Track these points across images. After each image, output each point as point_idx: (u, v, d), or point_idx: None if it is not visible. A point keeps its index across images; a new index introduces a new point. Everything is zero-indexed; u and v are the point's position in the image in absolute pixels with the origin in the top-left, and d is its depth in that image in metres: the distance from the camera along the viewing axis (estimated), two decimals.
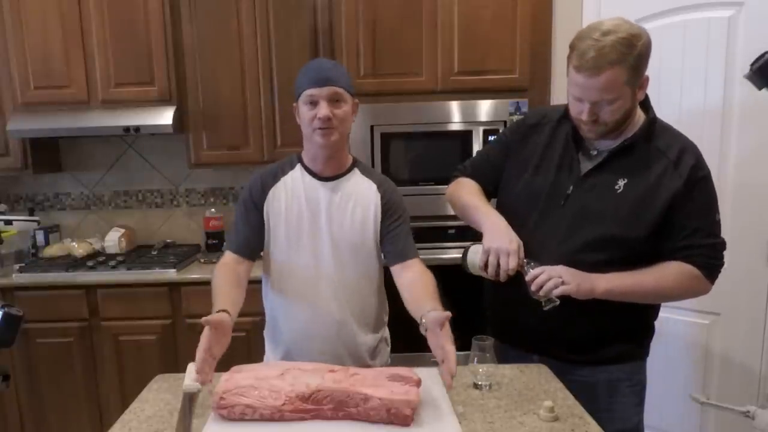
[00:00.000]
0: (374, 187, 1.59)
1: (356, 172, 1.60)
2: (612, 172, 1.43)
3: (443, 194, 2.66)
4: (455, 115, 2.62)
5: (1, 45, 2.73)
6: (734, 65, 2.08)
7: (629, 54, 1.30)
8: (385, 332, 1.73)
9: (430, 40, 2.62)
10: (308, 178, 1.58)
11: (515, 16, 2.60)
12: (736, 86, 2.08)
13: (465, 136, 2.63)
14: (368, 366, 1.59)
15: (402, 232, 1.58)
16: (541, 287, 1.35)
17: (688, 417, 2.30)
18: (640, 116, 1.46)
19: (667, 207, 1.38)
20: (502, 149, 1.63)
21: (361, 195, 1.57)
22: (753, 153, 2.09)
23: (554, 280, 1.35)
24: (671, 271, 1.41)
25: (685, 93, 2.23)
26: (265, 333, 1.70)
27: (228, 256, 1.60)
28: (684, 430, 2.33)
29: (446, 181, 2.69)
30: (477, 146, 2.62)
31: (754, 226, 2.10)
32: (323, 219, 1.55)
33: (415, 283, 1.50)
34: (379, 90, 2.63)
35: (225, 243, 1.71)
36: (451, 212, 2.64)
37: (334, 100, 1.47)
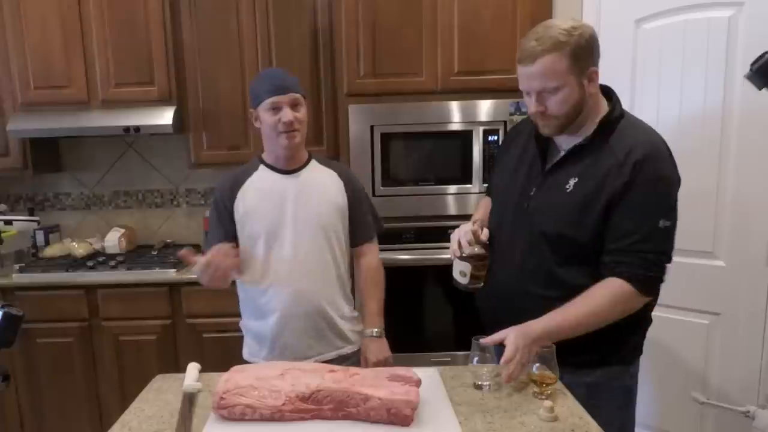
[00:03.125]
0: (334, 174, 1.79)
1: (314, 163, 1.79)
2: (566, 172, 1.44)
3: (443, 194, 2.70)
4: (455, 115, 2.62)
5: (1, 45, 2.73)
6: (734, 65, 2.08)
7: (566, 43, 1.32)
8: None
9: (430, 40, 2.62)
10: (273, 174, 1.74)
11: (515, 16, 2.59)
12: (736, 86, 2.08)
13: (465, 136, 2.63)
14: (347, 339, 1.79)
15: (362, 218, 1.82)
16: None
17: (688, 417, 2.30)
18: (604, 114, 1.44)
19: (605, 208, 1.36)
20: (495, 161, 1.75)
21: (323, 182, 1.76)
22: (753, 153, 2.08)
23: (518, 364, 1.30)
24: (603, 300, 1.36)
25: (685, 93, 2.22)
26: (243, 324, 1.82)
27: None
28: (684, 430, 2.33)
29: (446, 181, 2.73)
30: (477, 146, 2.62)
31: (754, 227, 2.10)
32: (293, 207, 1.71)
33: (367, 281, 1.83)
34: (379, 90, 2.63)
35: (204, 244, 1.79)
36: (451, 212, 2.68)
37: (295, 105, 1.66)
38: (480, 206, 1.78)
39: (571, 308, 1.37)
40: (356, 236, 1.83)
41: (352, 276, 1.88)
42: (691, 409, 2.26)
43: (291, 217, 1.69)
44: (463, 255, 1.51)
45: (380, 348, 1.75)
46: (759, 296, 2.12)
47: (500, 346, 1.65)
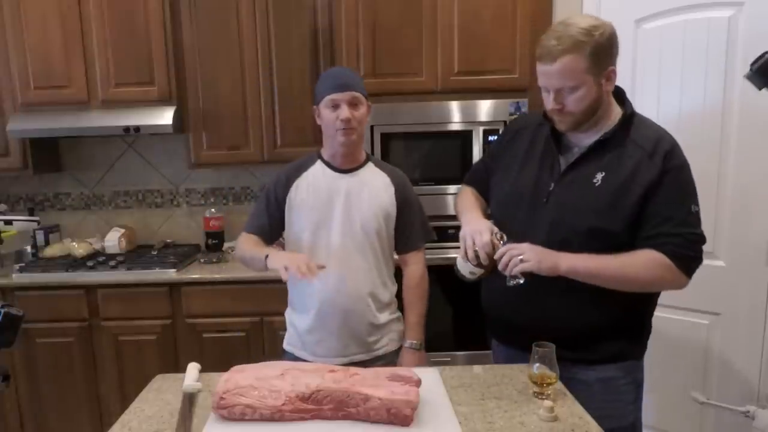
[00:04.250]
0: (387, 179, 1.80)
1: (370, 164, 1.82)
2: (590, 166, 1.45)
3: (443, 194, 2.70)
4: (455, 115, 2.62)
5: (1, 45, 2.73)
6: (734, 65, 2.08)
7: (586, 43, 1.34)
8: (398, 312, 1.87)
9: (430, 40, 2.62)
10: (329, 171, 1.78)
11: (515, 16, 2.60)
12: (735, 86, 2.08)
13: (465, 136, 2.63)
14: (383, 341, 1.79)
15: (410, 226, 1.82)
16: (506, 267, 1.39)
17: (688, 417, 2.30)
18: (617, 112, 1.48)
19: (642, 197, 1.39)
20: (492, 156, 1.72)
21: (375, 185, 1.78)
22: (753, 153, 2.09)
23: (514, 259, 1.37)
24: (640, 258, 1.39)
25: (685, 93, 2.22)
26: (287, 313, 1.88)
27: (245, 234, 1.80)
28: (684, 430, 2.33)
29: (446, 181, 2.73)
30: (477, 146, 2.62)
31: (754, 226, 2.11)
32: (341, 206, 1.74)
33: (409, 292, 1.83)
34: (379, 90, 2.62)
35: (245, 225, 1.86)
36: (451, 212, 2.67)
37: (354, 104, 1.68)
38: (467, 196, 1.72)
39: (602, 256, 1.39)
40: (401, 243, 1.83)
41: (398, 280, 1.87)
42: (691, 409, 2.27)
43: (338, 216, 1.73)
44: (483, 264, 1.46)
45: (416, 360, 1.76)
46: (759, 296, 2.12)
47: (499, 347, 1.67)
